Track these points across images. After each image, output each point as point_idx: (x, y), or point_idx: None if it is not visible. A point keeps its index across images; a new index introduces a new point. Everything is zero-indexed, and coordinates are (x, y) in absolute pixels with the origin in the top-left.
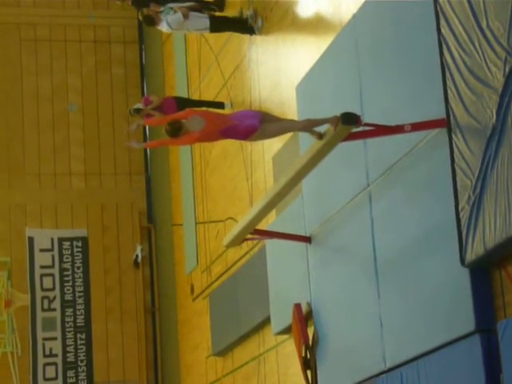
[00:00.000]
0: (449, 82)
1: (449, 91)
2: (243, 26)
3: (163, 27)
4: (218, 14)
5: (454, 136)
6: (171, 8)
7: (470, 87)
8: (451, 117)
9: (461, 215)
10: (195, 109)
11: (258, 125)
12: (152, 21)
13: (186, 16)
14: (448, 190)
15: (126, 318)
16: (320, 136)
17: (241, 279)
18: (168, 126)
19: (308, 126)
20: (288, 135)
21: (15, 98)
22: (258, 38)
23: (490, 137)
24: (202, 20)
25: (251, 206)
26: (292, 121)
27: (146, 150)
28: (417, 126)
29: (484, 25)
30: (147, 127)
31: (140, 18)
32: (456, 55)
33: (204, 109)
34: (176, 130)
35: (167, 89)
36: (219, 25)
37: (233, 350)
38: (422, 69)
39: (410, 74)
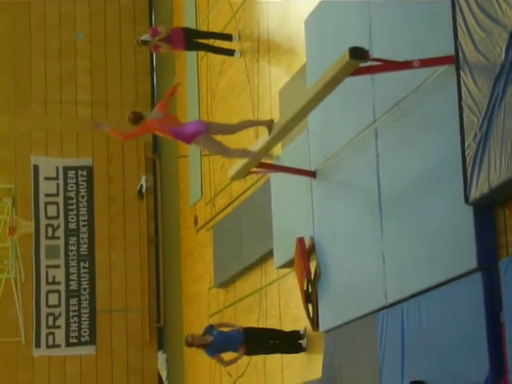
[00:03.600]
0: (459, 19)
1: (458, 28)
2: None
3: None
4: None
5: (462, 73)
6: None
7: (480, 24)
8: (460, 54)
9: (466, 153)
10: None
11: (203, 130)
12: None
13: None
14: (454, 128)
15: (129, 248)
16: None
17: (245, 212)
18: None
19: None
20: (296, 68)
21: (22, 26)
22: None
23: (498, 75)
24: None
25: (257, 139)
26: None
27: (152, 80)
28: (425, 62)
29: None
30: (154, 56)
31: None
32: None
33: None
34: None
35: (175, 19)
36: None
37: (235, 282)
38: (431, 5)
39: (420, 10)
